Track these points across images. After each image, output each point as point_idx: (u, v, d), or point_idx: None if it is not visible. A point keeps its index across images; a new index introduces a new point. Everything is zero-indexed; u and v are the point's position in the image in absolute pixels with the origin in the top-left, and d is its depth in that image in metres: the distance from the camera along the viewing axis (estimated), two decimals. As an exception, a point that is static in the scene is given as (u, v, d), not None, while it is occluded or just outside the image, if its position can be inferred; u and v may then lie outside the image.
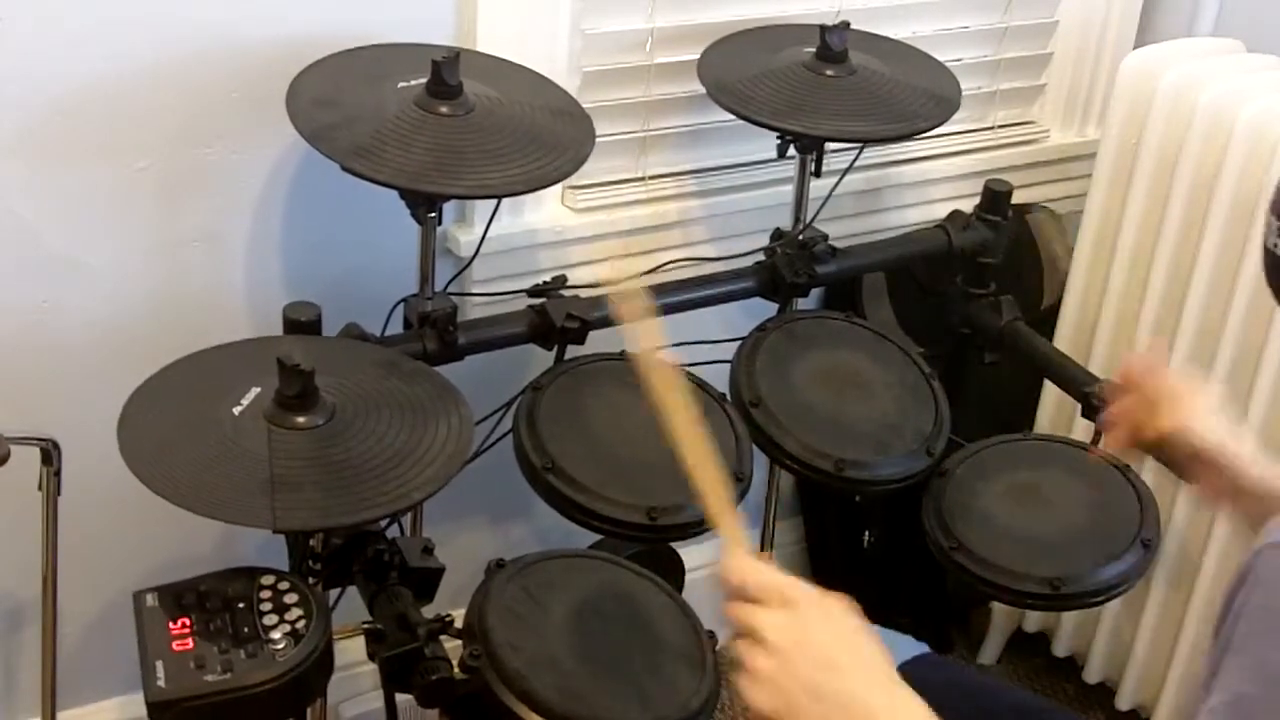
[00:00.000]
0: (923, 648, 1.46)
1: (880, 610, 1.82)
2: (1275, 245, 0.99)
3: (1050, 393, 2.04)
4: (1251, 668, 0.85)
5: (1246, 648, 0.85)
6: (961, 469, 1.63)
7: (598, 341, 1.59)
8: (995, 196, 1.82)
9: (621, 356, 1.60)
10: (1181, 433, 1.28)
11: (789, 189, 1.77)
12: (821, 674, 0.93)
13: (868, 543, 2.12)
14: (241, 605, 1.22)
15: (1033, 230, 2.08)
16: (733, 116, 1.63)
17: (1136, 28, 2.06)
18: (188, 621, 1.20)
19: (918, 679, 1.13)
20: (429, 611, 1.32)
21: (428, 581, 1.35)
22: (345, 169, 1.33)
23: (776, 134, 1.65)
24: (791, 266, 1.71)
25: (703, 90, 1.65)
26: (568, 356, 1.58)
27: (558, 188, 1.74)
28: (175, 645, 1.18)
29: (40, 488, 1.42)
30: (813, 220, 1.76)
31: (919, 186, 1.99)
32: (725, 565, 0.99)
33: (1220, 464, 1.26)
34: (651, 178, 1.80)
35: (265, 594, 1.24)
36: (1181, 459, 1.30)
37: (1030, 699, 1.40)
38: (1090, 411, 1.69)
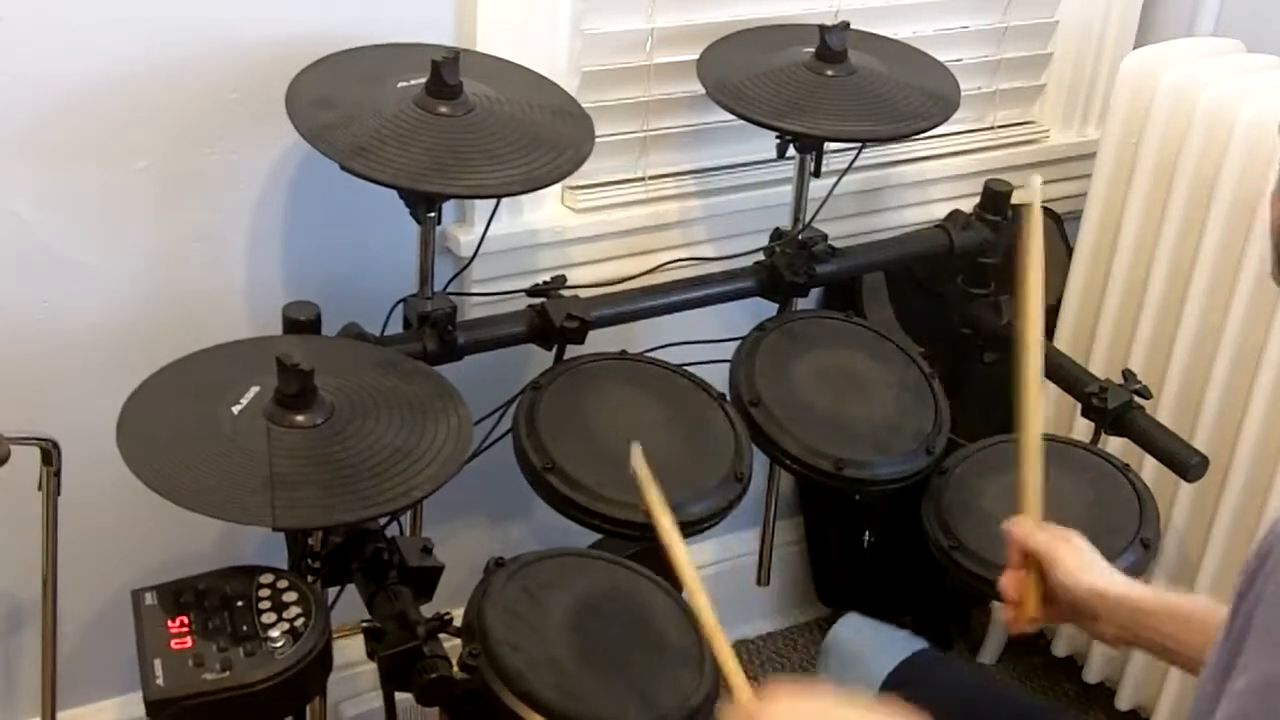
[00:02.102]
0: (922, 644, 1.46)
1: (880, 610, 1.82)
2: None
3: (1050, 393, 2.03)
4: (1278, 647, 0.84)
5: (1272, 629, 0.85)
6: (961, 469, 1.63)
7: (597, 341, 1.60)
8: (995, 196, 1.82)
9: (622, 356, 1.60)
10: (1065, 591, 1.25)
11: (788, 189, 1.77)
12: None
13: (868, 543, 2.12)
14: (240, 604, 1.23)
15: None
16: (732, 116, 1.63)
17: (1136, 28, 2.06)
18: (186, 620, 1.21)
19: (917, 676, 1.13)
20: (428, 610, 1.32)
21: (427, 580, 1.35)
22: (345, 169, 1.33)
23: (776, 134, 1.65)
24: (791, 266, 1.71)
25: (702, 90, 1.65)
26: (567, 356, 1.58)
27: (557, 188, 1.74)
28: (174, 644, 1.18)
29: (40, 488, 1.42)
30: (812, 220, 1.76)
31: (919, 186, 1.99)
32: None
33: (1106, 605, 1.23)
34: (651, 178, 1.80)
35: (264, 592, 1.24)
36: (1083, 617, 1.27)
37: (1029, 698, 1.40)
38: (1090, 411, 1.69)
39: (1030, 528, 1.29)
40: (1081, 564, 1.25)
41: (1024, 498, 1.30)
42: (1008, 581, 1.28)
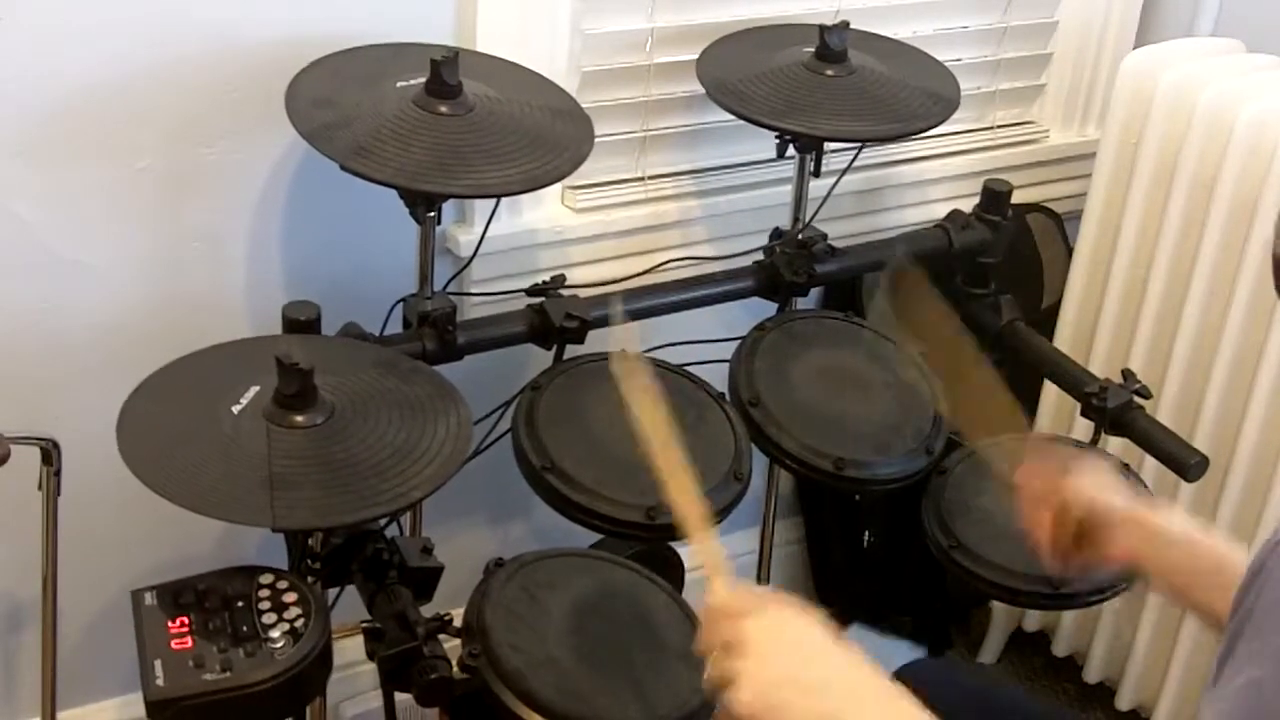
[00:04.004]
0: (920, 652, 1.46)
1: (880, 610, 1.83)
2: None
3: (1050, 393, 2.04)
4: (1265, 653, 0.84)
5: (1260, 636, 0.85)
6: (961, 468, 1.63)
7: (597, 341, 1.59)
8: (995, 196, 1.82)
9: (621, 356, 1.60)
10: (1089, 508, 1.24)
11: (788, 189, 1.77)
12: (800, 664, 0.95)
13: (868, 543, 2.12)
14: (240, 604, 1.22)
15: (1032, 230, 2.08)
16: (732, 116, 1.63)
17: (1136, 28, 2.06)
18: (186, 620, 1.20)
19: (916, 682, 1.13)
20: (428, 611, 1.32)
21: (427, 580, 1.35)
22: (344, 168, 1.33)
23: (776, 134, 1.65)
24: (791, 266, 1.71)
25: (702, 90, 1.65)
26: (567, 356, 1.58)
27: (557, 187, 1.74)
28: (174, 644, 1.18)
29: (40, 488, 1.42)
30: (812, 220, 1.76)
31: (918, 186, 1.99)
32: (708, 595, 1.01)
33: (1134, 522, 1.22)
34: (651, 178, 1.80)
35: (264, 593, 1.24)
36: (1100, 535, 1.25)
37: (1031, 701, 1.40)
38: (1090, 411, 1.69)
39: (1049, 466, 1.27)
40: (1095, 477, 1.24)
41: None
42: (1032, 519, 1.27)
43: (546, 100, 1.51)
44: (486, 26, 1.58)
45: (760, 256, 1.75)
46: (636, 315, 1.66)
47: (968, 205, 1.87)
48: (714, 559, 1.05)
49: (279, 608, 1.23)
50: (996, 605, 2.15)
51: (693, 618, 1.40)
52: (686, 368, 1.60)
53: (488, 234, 1.63)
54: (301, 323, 1.44)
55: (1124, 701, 2.03)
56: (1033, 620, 2.15)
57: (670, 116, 1.79)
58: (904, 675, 1.37)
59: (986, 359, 1.30)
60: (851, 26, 1.67)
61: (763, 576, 1.93)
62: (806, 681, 0.94)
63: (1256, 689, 0.84)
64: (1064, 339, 2.01)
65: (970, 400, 1.31)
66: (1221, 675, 0.88)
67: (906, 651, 1.43)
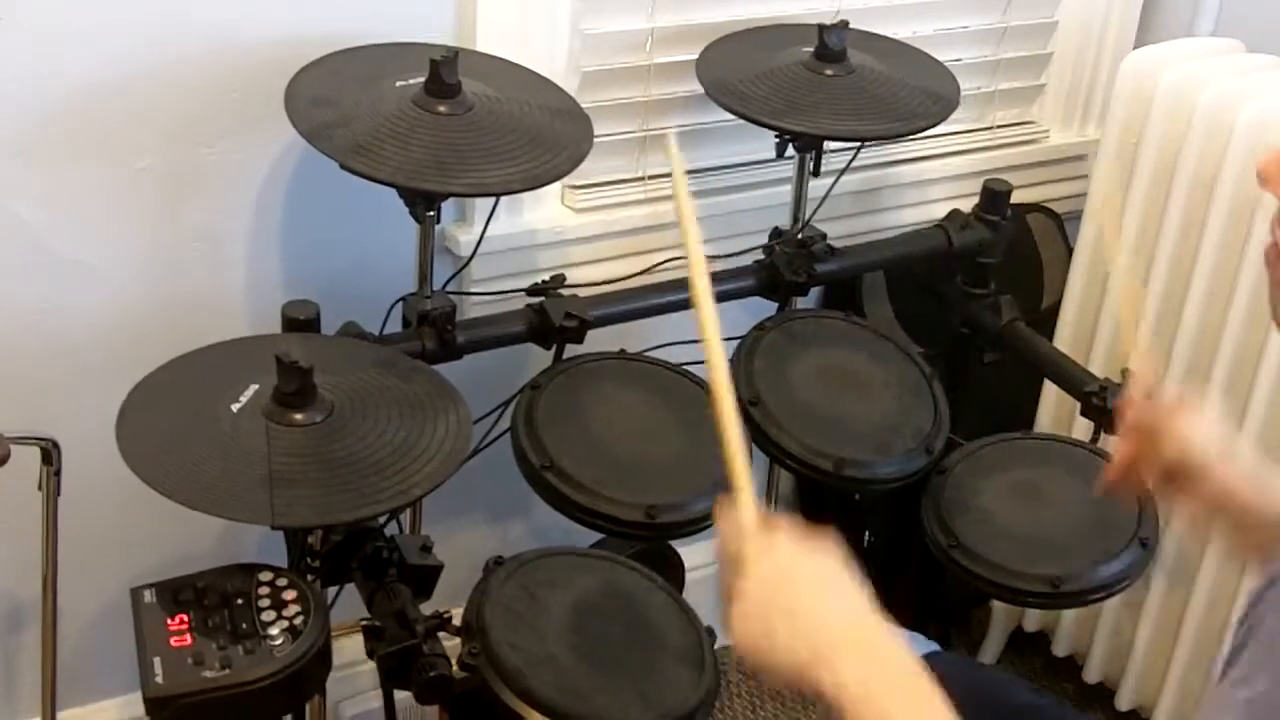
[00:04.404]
0: (932, 646, 1.46)
1: (880, 610, 1.82)
2: None
3: (1050, 393, 2.04)
4: (1271, 668, 0.84)
5: (1268, 650, 0.85)
6: (961, 468, 1.63)
7: (596, 341, 1.60)
8: (994, 196, 1.82)
9: (621, 356, 1.60)
10: (1181, 454, 1.24)
11: (788, 188, 1.77)
12: (800, 597, 0.94)
13: (868, 543, 2.12)
14: (240, 602, 1.23)
15: (1032, 230, 2.08)
16: (732, 116, 1.63)
17: (1136, 28, 2.06)
18: (186, 618, 1.21)
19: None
20: (427, 609, 1.32)
21: (426, 579, 1.35)
22: (344, 167, 1.34)
23: (775, 133, 1.65)
24: (790, 266, 1.71)
25: (702, 90, 1.65)
26: (566, 355, 1.58)
27: (557, 187, 1.74)
28: (173, 641, 1.18)
29: (40, 488, 1.42)
30: (811, 219, 1.77)
31: (918, 186, 1.99)
32: (726, 514, 0.99)
33: (1213, 477, 1.22)
34: (651, 178, 1.80)
35: (263, 590, 1.24)
36: (1184, 481, 1.25)
37: (1037, 696, 1.40)
38: (1090, 411, 1.69)
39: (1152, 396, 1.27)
40: (1199, 420, 1.24)
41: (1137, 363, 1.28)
42: (1124, 451, 1.27)
43: (546, 100, 1.51)
44: (486, 26, 1.58)
45: (760, 256, 1.75)
46: (636, 315, 1.66)
47: (967, 205, 1.87)
48: (742, 469, 1.02)
49: (278, 605, 1.23)
50: (996, 605, 2.15)
51: (693, 617, 1.40)
52: (686, 368, 1.60)
53: (487, 233, 1.63)
54: (301, 322, 1.44)
55: (1124, 701, 2.02)
56: (1033, 620, 2.15)
57: (670, 116, 1.79)
58: None
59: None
60: (851, 26, 1.67)
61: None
62: (800, 615, 0.94)
63: (1264, 704, 0.84)
64: (1064, 339, 2.01)
65: None
66: (1226, 676, 0.87)
67: (920, 645, 1.43)
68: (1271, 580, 0.88)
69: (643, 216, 1.78)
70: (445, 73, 1.40)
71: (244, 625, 1.20)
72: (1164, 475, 1.26)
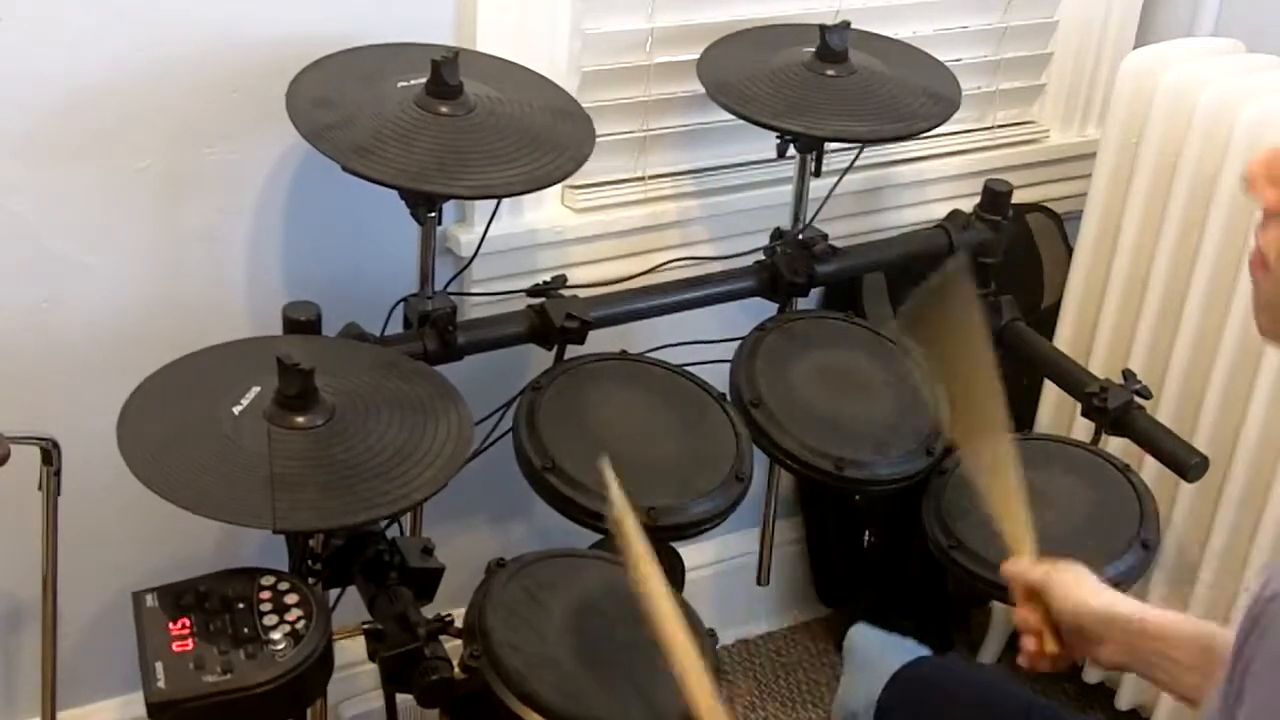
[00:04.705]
0: (923, 650, 1.46)
1: (880, 610, 1.82)
2: None
3: (1050, 393, 2.04)
4: (1267, 714, 0.84)
5: (1260, 691, 0.85)
6: (961, 469, 1.62)
7: (597, 341, 1.59)
8: (995, 196, 1.82)
9: (622, 356, 1.60)
10: (1062, 615, 1.24)
11: (788, 189, 1.77)
12: None
13: (868, 543, 2.12)
14: (241, 606, 1.22)
15: (1032, 230, 2.08)
16: (732, 116, 1.63)
17: (1136, 28, 2.06)
18: (187, 622, 1.20)
19: (920, 680, 1.13)
20: (429, 611, 1.32)
21: (428, 581, 1.35)
22: (345, 169, 1.33)
23: (776, 134, 1.65)
24: (791, 266, 1.71)
25: (702, 90, 1.65)
26: (567, 356, 1.58)
27: (557, 188, 1.74)
28: (175, 646, 1.18)
29: (40, 488, 1.42)
30: (812, 220, 1.76)
31: (919, 186, 1.99)
32: None
33: (1096, 620, 1.22)
34: (651, 178, 1.80)
35: (265, 594, 1.24)
36: (1088, 642, 1.25)
37: (1032, 700, 1.40)
38: (1090, 411, 1.69)
39: (1025, 564, 1.28)
40: (1076, 583, 1.24)
41: (1014, 536, 1.29)
42: (1021, 617, 1.27)
43: (547, 100, 1.51)
44: (487, 26, 1.58)
45: (761, 256, 1.75)
46: (636, 316, 1.66)
47: (968, 205, 1.86)
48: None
49: (280, 609, 1.23)
50: (996, 605, 2.15)
51: (693, 617, 1.40)
52: (687, 368, 1.60)
53: (488, 234, 1.62)
54: (302, 323, 1.44)
55: (1124, 701, 2.03)
56: (1032, 620, 2.15)
57: (670, 116, 1.79)
58: (910, 675, 1.37)
59: (998, 380, 1.30)
60: (851, 26, 1.67)
61: (762, 577, 1.93)
62: None
63: None
64: (1064, 339, 2.01)
65: (967, 408, 1.31)
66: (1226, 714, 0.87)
67: (912, 648, 1.43)
68: (1252, 623, 0.87)
69: (643, 216, 1.78)
70: (447, 73, 1.39)
71: (246, 629, 1.20)
72: (1067, 639, 1.25)
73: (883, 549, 2.11)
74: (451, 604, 1.37)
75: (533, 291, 1.61)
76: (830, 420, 1.58)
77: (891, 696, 1.35)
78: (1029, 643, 1.26)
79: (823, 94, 1.63)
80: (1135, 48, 2.01)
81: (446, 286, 1.61)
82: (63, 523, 1.44)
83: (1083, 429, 1.76)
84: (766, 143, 1.70)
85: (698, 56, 1.68)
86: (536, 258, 1.72)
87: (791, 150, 1.69)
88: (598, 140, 1.49)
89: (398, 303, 1.54)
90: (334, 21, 1.51)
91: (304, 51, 1.45)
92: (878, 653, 1.43)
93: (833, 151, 1.74)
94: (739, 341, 1.66)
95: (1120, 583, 1.51)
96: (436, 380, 1.38)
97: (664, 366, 1.60)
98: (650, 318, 1.68)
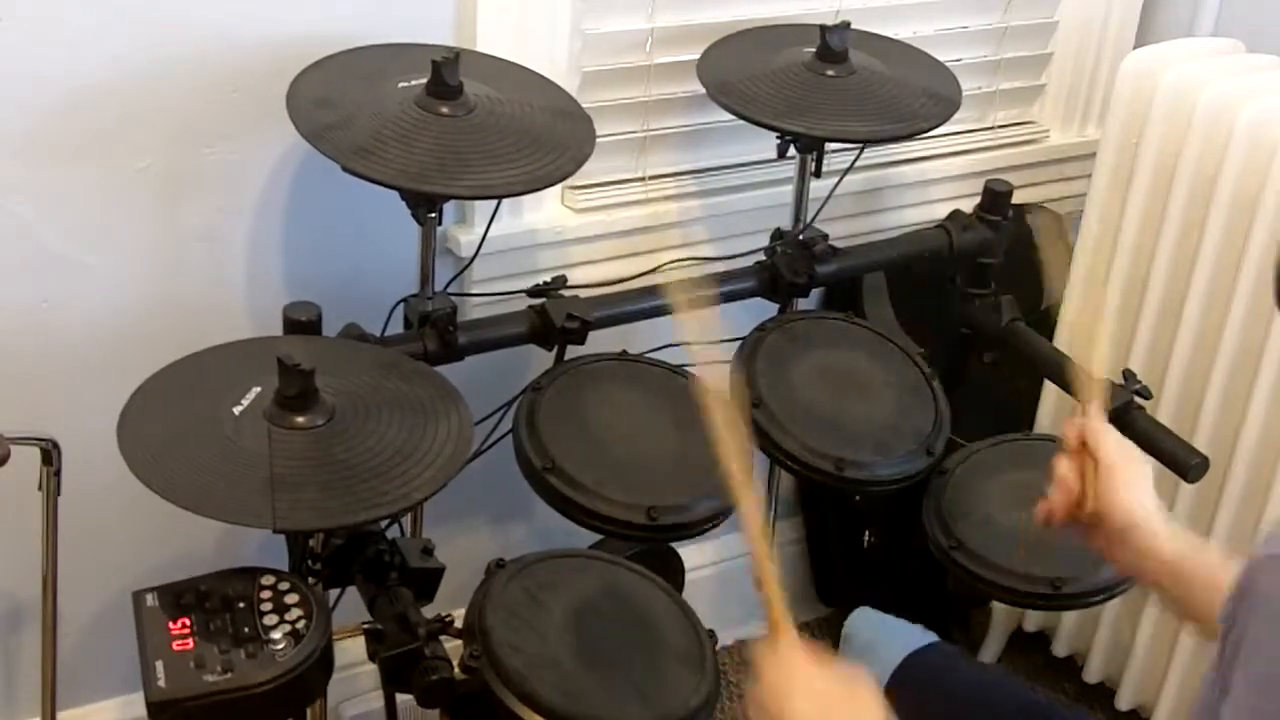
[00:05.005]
0: (932, 637, 1.46)
1: (880, 610, 1.82)
2: None
3: (1050, 393, 2.04)
4: (1263, 681, 0.84)
5: (1256, 660, 0.85)
6: (961, 469, 1.63)
7: (598, 341, 1.59)
8: (995, 196, 1.82)
9: (622, 357, 1.60)
10: (1107, 510, 1.24)
11: (789, 189, 1.77)
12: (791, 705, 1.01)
13: (868, 543, 2.12)
14: (242, 605, 1.22)
15: (1033, 230, 2.08)
16: (733, 116, 1.63)
17: (1136, 28, 2.06)
18: (188, 621, 1.20)
19: (927, 667, 1.14)
20: (429, 612, 1.32)
21: (428, 582, 1.35)
22: (345, 169, 1.33)
23: (776, 134, 1.65)
24: (791, 266, 1.71)
25: (703, 90, 1.65)
26: (568, 357, 1.58)
27: (558, 188, 1.74)
28: (175, 645, 1.18)
29: (40, 488, 1.42)
30: (813, 220, 1.76)
31: (919, 186, 1.99)
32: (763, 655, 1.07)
33: (1133, 544, 1.23)
34: (651, 178, 1.80)
35: (265, 594, 1.24)
36: (1107, 534, 1.26)
37: (1036, 694, 1.40)
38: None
39: (1096, 423, 1.26)
40: (1137, 481, 1.23)
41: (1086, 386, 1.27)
42: (1062, 471, 1.26)
43: (547, 100, 1.51)
44: (487, 27, 1.58)
45: (761, 257, 1.75)
46: (637, 316, 1.66)
47: (968, 205, 1.86)
48: (780, 610, 1.10)
49: (280, 609, 1.23)
50: (996, 605, 2.15)
51: (693, 618, 1.40)
52: (686, 368, 1.60)
53: (488, 234, 1.62)
54: (302, 323, 1.43)
55: (1124, 701, 2.03)
56: (1033, 620, 2.15)
57: (670, 116, 1.79)
58: (915, 665, 1.37)
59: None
60: (852, 26, 1.67)
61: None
62: None
63: (1259, 717, 0.84)
64: (1064, 339, 2.00)
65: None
66: (1224, 704, 0.87)
67: (919, 635, 1.43)
68: (1245, 590, 0.87)
69: (643, 216, 1.78)
70: (447, 74, 1.39)
71: (246, 629, 1.20)
72: (1087, 525, 1.26)
73: (883, 549, 2.11)
74: (451, 604, 1.37)
75: (533, 292, 1.61)
76: (830, 421, 1.58)
77: (898, 684, 1.35)
78: (1056, 497, 1.25)
79: (823, 94, 1.63)
80: (1135, 48, 2.01)
81: (447, 287, 1.61)
82: (63, 523, 1.44)
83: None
84: (767, 143, 1.70)
85: (698, 56, 1.68)
86: (537, 258, 1.72)
87: (792, 150, 1.70)
88: (598, 140, 1.49)
89: (398, 303, 1.54)
90: (334, 21, 1.51)
91: (304, 51, 1.45)
92: (885, 638, 1.43)
93: (833, 152, 1.74)
94: (739, 342, 1.66)
95: (1122, 583, 1.52)
96: (437, 381, 1.38)
97: (665, 367, 1.60)
98: (650, 318, 1.68)
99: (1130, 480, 1.24)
